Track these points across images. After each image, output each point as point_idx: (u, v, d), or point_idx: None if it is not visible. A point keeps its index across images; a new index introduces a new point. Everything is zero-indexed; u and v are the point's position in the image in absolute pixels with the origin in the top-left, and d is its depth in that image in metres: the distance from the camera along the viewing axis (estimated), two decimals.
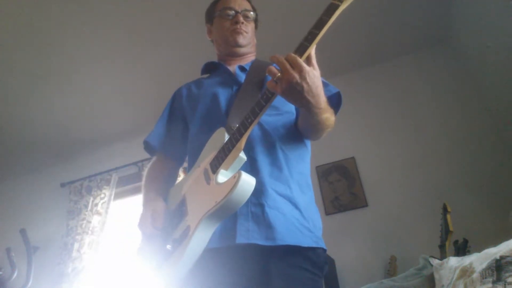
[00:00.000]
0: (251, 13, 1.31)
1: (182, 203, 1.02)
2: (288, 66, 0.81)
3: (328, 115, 0.98)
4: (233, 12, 1.28)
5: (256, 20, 1.37)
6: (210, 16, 1.37)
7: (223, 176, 0.91)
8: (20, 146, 3.66)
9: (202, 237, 0.88)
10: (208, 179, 0.94)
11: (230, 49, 1.30)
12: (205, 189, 0.93)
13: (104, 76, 3.02)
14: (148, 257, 1.04)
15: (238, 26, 1.27)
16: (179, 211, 1.01)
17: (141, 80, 3.11)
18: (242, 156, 0.92)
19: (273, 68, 0.84)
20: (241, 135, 0.90)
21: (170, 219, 1.04)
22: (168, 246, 0.93)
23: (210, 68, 1.36)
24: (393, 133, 2.91)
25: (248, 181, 0.84)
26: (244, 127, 0.90)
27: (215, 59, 1.39)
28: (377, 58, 3.11)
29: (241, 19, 1.27)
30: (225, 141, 0.95)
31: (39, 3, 2.35)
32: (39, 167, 3.95)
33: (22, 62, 2.77)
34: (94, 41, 2.68)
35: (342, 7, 0.80)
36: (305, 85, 0.83)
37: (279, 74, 0.82)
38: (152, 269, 0.98)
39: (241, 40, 1.27)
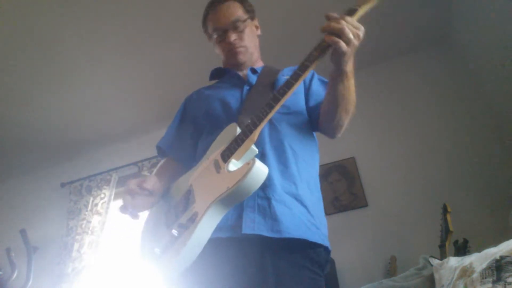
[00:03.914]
0: (240, 22, 1.23)
1: (189, 192, 1.01)
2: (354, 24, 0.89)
3: (353, 85, 1.01)
4: (221, 31, 1.23)
5: (249, 14, 1.29)
6: (205, 31, 1.34)
7: (234, 166, 0.91)
8: (20, 146, 3.66)
9: (209, 223, 0.88)
10: (218, 168, 0.95)
11: (233, 64, 1.29)
12: (215, 177, 0.94)
13: (104, 76, 3.02)
14: (151, 242, 1.03)
15: (233, 47, 1.23)
16: (185, 200, 1.01)
17: (141, 80, 3.11)
18: (254, 148, 0.93)
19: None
20: (255, 126, 0.92)
21: (175, 207, 1.04)
22: (174, 231, 0.92)
23: (219, 73, 1.36)
24: (393, 133, 2.91)
25: (261, 169, 0.84)
26: (259, 119, 0.92)
27: (216, 59, 1.39)
28: (377, 58, 3.11)
29: (233, 36, 1.22)
30: (237, 134, 0.96)
31: (39, 2, 2.35)
32: (39, 167, 3.95)
33: (22, 62, 2.77)
34: (94, 41, 2.68)
35: None
36: (357, 44, 0.89)
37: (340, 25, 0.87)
38: (155, 255, 0.97)
39: (241, 57, 1.25)
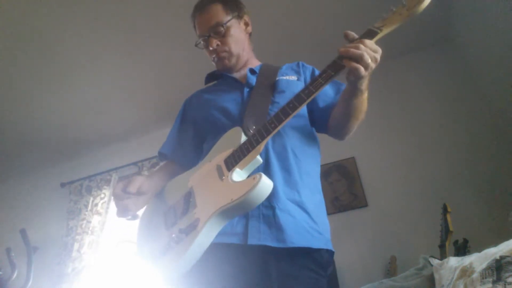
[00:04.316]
0: (220, 27, 1.20)
1: (189, 194, 1.01)
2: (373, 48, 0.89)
3: (366, 97, 1.04)
4: (203, 38, 1.23)
5: (233, 13, 1.24)
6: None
7: (238, 175, 0.92)
8: (20, 146, 3.66)
9: (210, 232, 0.88)
10: (221, 176, 0.95)
11: (223, 70, 1.29)
12: (218, 185, 0.94)
13: (104, 76, 3.02)
14: (149, 242, 1.03)
15: (215, 54, 1.23)
16: (186, 202, 1.01)
17: (141, 80, 3.11)
18: (259, 158, 0.93)
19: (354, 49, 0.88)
20: (263, 138, 0.92)
21: (174, 208, 1.04)
22: (174, 236, 0.93)
23: (214, 76, 1.35)
24: (393, 133, 2.91)
25: (267, 184, 0.85)
26: (267, 131, 0.92)
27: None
28: None
29: (214, 43, 1.20)
30: (243, 141, 0.96)
31: (39, 3, 2.35)
32: (39, 167, 3.96)
33: (22, 62, 2.77)
34: (94, 41, 2.68)
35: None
36: (374, 67, 0.89)
37: (364, 52, 0.86)
38: (152, 257, 0.97)
39: (226, 62, 1.24)
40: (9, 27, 2.49)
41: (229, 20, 1.22)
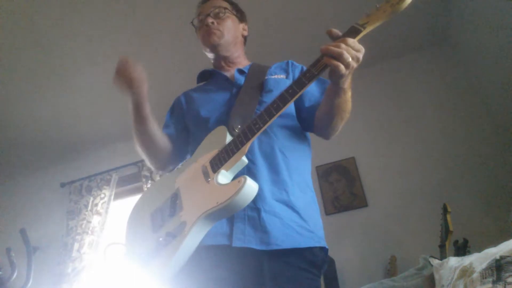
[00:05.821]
0: (223, 10, 1.27)
1: (176, 196, 1.01)
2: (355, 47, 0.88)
3: (350, 97, 1.02)
4: (202, 17, 1.28)
5: (237, 14, 1.33)
6: (196, 30, 1.36)
7: (223, 177, 0.92)
8: (20, 146, 3.66)
9: (197, 234, 0.89)
10: (207, 177, 0.95)
11: (213, 54, 1.30)
12: (203, 187, 0.94)
13: (104, 76, 3.01)
14: (137, 246, 1.03)
15: (208, 28, 1.24)
16: (172, 204, 1.00)
17: None
18: (244, 159, 0.93)
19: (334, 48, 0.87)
20: (248, 139, 0.92)
21: (161, 210, 1.03)
22: (161, 239, 0.93)
23: (206, 76, 1.36)
24: (393, 133, 2.91)
25: (252, 187, 0.85)
26: (251, 132, 0.92)
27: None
28: (377, 58, 3.11)
29: (210, 20, 1.24)
30: (227, 141, 0.96)
31: (40, 3, 2.35)
32: (39, 167, 3.95)
33: (22, 62, 2.77)
34: (94, 41, 2.68)
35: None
36: (355, 66, 0.89)
37: (344, 51, 0.85)
38: (141, 261, 0.97)
39: (215, 38, 1.25)
40: (9, 27, 2.49)
41: (230, 10, 1.29)
